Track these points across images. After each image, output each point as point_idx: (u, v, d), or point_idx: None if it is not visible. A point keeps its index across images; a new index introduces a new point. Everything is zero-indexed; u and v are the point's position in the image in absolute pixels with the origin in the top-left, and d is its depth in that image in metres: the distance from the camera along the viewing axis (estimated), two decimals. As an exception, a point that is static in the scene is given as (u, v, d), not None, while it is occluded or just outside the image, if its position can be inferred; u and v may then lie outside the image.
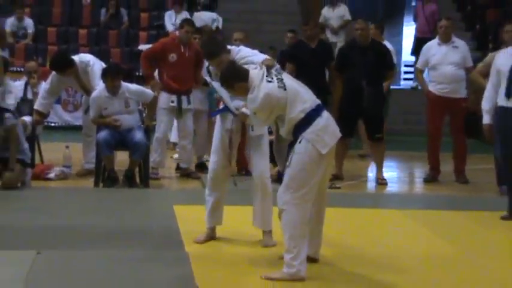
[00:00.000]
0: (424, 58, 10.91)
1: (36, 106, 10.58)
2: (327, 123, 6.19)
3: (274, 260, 6.44)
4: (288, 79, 6.24)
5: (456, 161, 10.91)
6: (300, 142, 5.99)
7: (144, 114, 10.38)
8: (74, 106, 15.72)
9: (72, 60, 10.55)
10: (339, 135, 6.33)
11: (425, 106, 11.11)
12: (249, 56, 6.80)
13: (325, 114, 6.22)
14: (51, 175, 10.31)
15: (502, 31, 10.04)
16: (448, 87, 10.67)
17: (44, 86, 10.86)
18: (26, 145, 9.80)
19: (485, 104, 8.52)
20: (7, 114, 9.53)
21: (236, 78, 6.17)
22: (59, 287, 5.66)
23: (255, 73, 6.14)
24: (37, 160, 10.67)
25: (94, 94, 9.98)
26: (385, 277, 6.28)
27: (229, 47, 6.92)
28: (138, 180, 9.95)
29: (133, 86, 10.25)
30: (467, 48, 10.78)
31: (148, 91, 10.33)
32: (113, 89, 9.80)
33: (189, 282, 5.77)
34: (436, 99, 10.76)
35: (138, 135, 9.76)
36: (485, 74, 10.02)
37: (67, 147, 11.00)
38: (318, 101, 6.21)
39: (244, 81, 6.11)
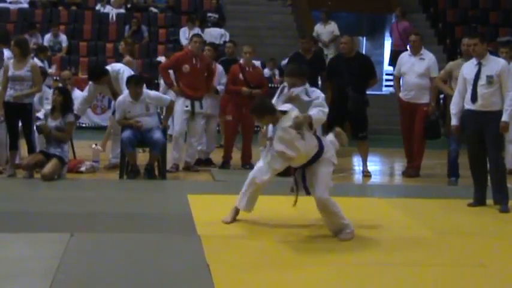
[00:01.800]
0: (398, 67, 10.91)
1: (75, 111, 10.63)
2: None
3: (277, 242, 6.44)
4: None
5: (414, 158, 10.85)
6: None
7: (161, 117, 10.40)
8: (102, 109, 15.71)
9: (106, 69, 10.66)
10: None
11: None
12: None
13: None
14: (82, 169, 10.30)
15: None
16: (411, 94, 10.63)
17: (82, 94, 10.94)
18: (66, 146, 9.82)
19: (453, 108, 8.54)
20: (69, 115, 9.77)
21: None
22: (90, 265, 5.66)
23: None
24: (70, 156, 10.65)
25: (120, 99, 9.99)
26: (369, 254, 6.29)
27: None
28: (156, 173, 9.94)
29: (153, 93, 10.29)
30: (434, 60, 10.69)
31: (165, 97, 10.38)
32: (135, 95, 9.81)
33: (201, 261, 5.76)
34: (403, 104, 10.76)
35: (157, 134, 9.77)
36: (445, 81, 10.08)
37: (96, 144, 11.00)
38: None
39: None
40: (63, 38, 17.92)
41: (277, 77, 16.89)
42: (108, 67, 10.87)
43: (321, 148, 6.81)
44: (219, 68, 11.56)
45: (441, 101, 10.59)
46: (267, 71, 17.33)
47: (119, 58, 14.56)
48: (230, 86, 11.02)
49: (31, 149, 9.81)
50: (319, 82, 11.26)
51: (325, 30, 17.62)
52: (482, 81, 8.20)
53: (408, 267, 5.95)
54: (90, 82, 10.83)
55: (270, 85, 15.88)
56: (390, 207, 8.34)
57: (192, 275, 5.48)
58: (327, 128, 10.96)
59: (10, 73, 9.64)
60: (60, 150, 9.63)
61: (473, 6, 21.45)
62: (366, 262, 6.09)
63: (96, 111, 15.90)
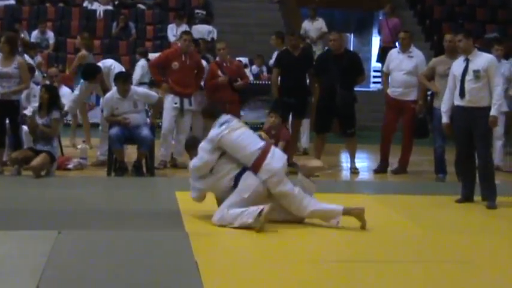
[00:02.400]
0: (387, 63, 10.92)
1: (66, 108, 10.60)
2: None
3: (266, 238, 6.45)
4: None
5: (402, 154, 10.90)
6: None
7: (149, 114, 10.38)
8: (90, 106, 15.63)
9: (99, 66, 10.72)
10: None
11: (386, 106, 11.12)
12: None
13: None
14: (70, 166, 10.28)
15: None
16: (399, 90, 10.66)
17: (74, 93, 10.97)
18: (55, 143, 9.79)
19: (443, 106, 8.58)
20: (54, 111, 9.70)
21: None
22: (78, 262, 5.64)
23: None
24: (58, 153, 10.62)
25: (107, 96, 9.98)
26: (357, 251, 6.30)
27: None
28: (144, 170, 9.93)
29: (141, 89, 10.33)
30: (423, 58, 10.71)
31: (153, 94, 10.36)
32: (123, 92, 9.79)
33: (189, 258, 5.76)
34: (390, 100, 10.78)
35: (145, 131, 9.75)
36: (429, 77, 10.08)
37: (83, 141, 10.98)
38: None
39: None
40: (50, 34, 17.85)
41: (264, 73, 16.89)
42: (100, 63, 10.88)
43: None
44: (203, 63, 11.56)
45: (428, 97, 10.59)
46: (254, 68, 17.35)
47: (106, 55, 14.59)
48: (208, 82, 11.04)
49: (18, 146, 9.77)
50: (307, 79, 11.28)
51: (313, 27, 17.62)
52: (469, 76, 8.24)
53: (396, 263, 5.96)
54: (82, 81, 10.80)
55: (257, 82, 15.99)
56: (378, 204, 8.36)
57: (180, 272, 5.47)
58: (315, 126, 11.03)
59: (-3, 70, 9.60)
60: (49, 146, 9.60)
61: (460, 3, 21.55)
62: (355, 259, 6.10)
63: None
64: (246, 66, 16.80)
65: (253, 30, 19.80)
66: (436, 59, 10.36)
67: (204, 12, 19.38)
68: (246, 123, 14.94)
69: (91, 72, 10.71)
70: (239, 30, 19.51)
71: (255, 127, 13.63)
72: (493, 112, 8.16)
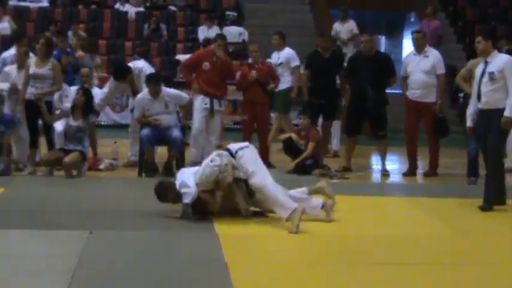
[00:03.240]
0: (404, 67, 10.84)
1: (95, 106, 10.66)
2: None
3: (297, 238, 6.43)
4: None
5: (430, 157, 10.83)
6: None
7: (180, 115, 10.41)
8: (121, 107, 15.76)
9: (130, 68, 10.75)
10: None
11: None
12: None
13: None
14: (101, 166, 10.35)
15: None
16: (418, 92, 10.58)
17: (103, 90, 10.97)
18: (86, 143, 9.86)
19: (469, 109, 8.46)
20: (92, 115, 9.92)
21: None
22: (109, 262, 5.67)
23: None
24: (89, 154, 10.68)
25: (139, 97, 10.02)
26: (388, 253, 6.27)
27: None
28: (175, 170, 9.91)
29: (172, 91, 10.29)
30: (439, 57, 10.62)
31: (184, 95, 10.37)
32: (154, 93, 9.83)
33: (219, 259, 5.76)
34: (410, 103, 10.71)
35: (175, 133, 9.78)
36: (466, 78, 9.99)
37: (115, 142, 11.03)
38: None
39: None
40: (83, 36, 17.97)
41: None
42: (131, 64, 10.94)
43: None
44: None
45: (461, 99, 10.51)
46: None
47: (138, 57, 14.63)
48: (240, 83, 11.07)
49: (50, 147, 9.87)
50: (338, 81, 11.25)
51: (344, 28, 17.58)
52: (485, 78, 8.11)
53: (426, 266, 5.92)
54: (111, 79, 10.87)
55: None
56: (409, 206, 8.31)
57: (210, 273, 5.48)
58: (346, 128, 11.01)
59: (31, 71, 9.71)
60: (81, 146, 9.67)
61: (492, 4, 21.36)
62: (384, 261, 6.06)
63: (115, 109, 15.96)
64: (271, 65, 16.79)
65: (283, 32, 19.74)
66: (473, 61, 10.24)
67: (235, 14, 19.41)
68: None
69: (122, 72, 10.77)
70: (269, 32, 19.44)
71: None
72: (506, 113, 7.94)
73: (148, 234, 6.61)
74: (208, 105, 10.59)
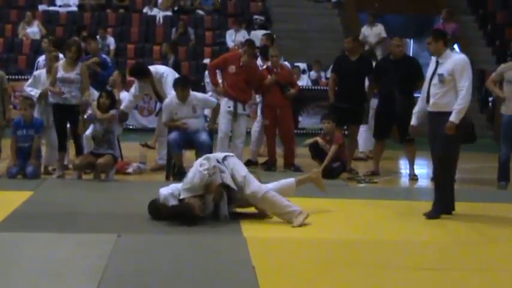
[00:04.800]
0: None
1: (122, 107, 10.70)
2: None
3: (325, 243, 6.44)
4: None
5: None
6: None
7: (208, 119, 10.44)
8: (149, 111, 15.83)
9: (148, 70, 10.71)
10: None
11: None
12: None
13: None
14: (130, 170, 10.41)
15: None
16: None
17: (131, 91, 10.99)
18: (117, 146, 9.93)
19: (415, 107, 8.22)
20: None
21: None
22: (137, 265, 5.70)
23: None
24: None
25: (166, 101, 10.05)
26: (417, 259, 6.24)
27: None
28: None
29: (200, 95, 10.33)
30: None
31: (212, 99, 10.42)
32: (182, 97, 9.85)
33: (246, 262, 5.77)
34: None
35: (203, 136, 9.81)
36: (497, 82, 9.92)
37: (142, 145, 11.10)
38: None
39: None
40: (111, 40, 18.10)
41: (323, 79, 16.86)
42: (152, 68, 10.92)
43: None
44: None
45: (490, 103, 10.43)
46: (313, 73, 17.34)
47: (165, 60, 14.72)
48: (259, 87, 11.09)
49: (79, 151, 9.94)
50: (366, 84, 11.22)
51: (372, 32, 17.54)
52: (435, 80, 7.81)
53: (455, 272, 5.88)
54: (136, 81, 10.91)
55: (315, 87, 16.00)
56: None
57: (237, 277, 5.49)
58: (374, 132, 10.97)
59: (59, 75, 9.78)
60: (111, 150, 9.74)
61: (523, 7, 21.18)
62: (414, 266, 6.04)
63: (142, 113, 16.02)
64: (304, 71, 16.82)
65: (311, 36, 19.79)
66: (505, 65, 10.17)
67: (263, 18, 19.44)
68: (304, 129, 15.12)
69: (136, 71, 10.83)
70: (297, 36, 19.52)
71: (313, 133, 13.69)
72: (452, 118, 7.63)
73: (176, 238, 6.63)
74: (231, 109, 10.63)
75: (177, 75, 10.74)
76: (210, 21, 19.97)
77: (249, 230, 6.94)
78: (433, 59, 8.00)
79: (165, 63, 12.88)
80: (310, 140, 10.77)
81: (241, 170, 7.38)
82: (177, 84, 9.95)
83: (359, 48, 11.78)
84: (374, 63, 11.62)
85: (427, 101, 7.88)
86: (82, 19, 19.51)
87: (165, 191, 7.30)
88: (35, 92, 10.19)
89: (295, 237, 6.80)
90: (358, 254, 6.33)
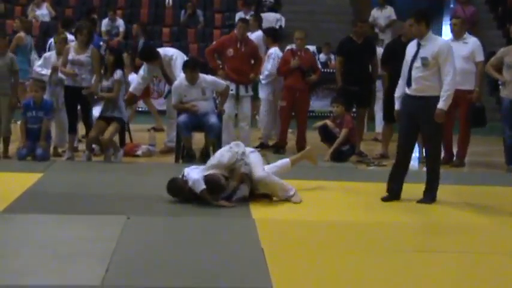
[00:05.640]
0: None
1: (131, 89, 10.70)
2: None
3: (333, 226, 6.48)
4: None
5: (458, 147, 10.68)
6: None
7: (217, 101, 10.42)
8: (158, 94, 15.82)
9: (158, 52, 10.71)
10: None
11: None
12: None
13: None
14: (139, 152, 10.44)
15: None
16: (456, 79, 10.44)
17: (139, 73, 10.97)
18: (123, 107, 9.92)
19: (397, 92, 7.95)
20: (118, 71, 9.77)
21: None
22: (146, 247, 5.73)
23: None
24: (127, 139, 10.77)
25: (176, 83, 10.05)
26: (426, 240, 6.25)
27: None
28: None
29: (209, 77, 10.25)
30: (478, 44, 10.37)
31: (221, 81, 10.33)
32: (192, 80, 9.84)
33: (255, 244, 5.79)
34: None
35: (213, 119, 9.80)
36: (497, 67, 9.88)
37: (149, 130, 11.10)
38: None
39: None
40: (120, 22, 18.07)
41: (332, 62, 16.80)
42: (160, 50, 10.92)
43: None
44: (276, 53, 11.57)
45: (500, 87, 10.37)
46: (322, 56, 17.28)
47: (175, 43, 14.74)
48: (281, 68, 11.08)
49: (89, 132, 9.94)
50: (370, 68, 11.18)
51: (382, 14, 17.45)
52: (417, 63, 7.55)
53: (465, 254, 5.90)
54: (144, 63, 10.91)
55: (325, 70, 15.94)
56: (448, 195, 8.21)
57: (246, 259, 5.51)
58: (384, 115, 10.95)
59: (70, 57, 9.80)
60: (117, 111, 9.76)
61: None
62: (423, 249, 6.06)
63: (152, 95, 16.00)
64: (313, 54, 16.76)
65: (321, 18, 19.70)
66: (504, 49, 10.14)
67: (272, 0, 19.35)
68: (313, 111, 15.08)
69: (145, 54, 10.84)
70: (307, 18, 19.42)
71: (322, 115, 13.68)
72: (440, 105, 7.44)
73: (185, 220, 6.66)
74: (234, 91, 10.66)
75: (185, 58, 10.73)
76: (219, 3, 19.90)
77: (258, 212, 6.96)
78: (414, 41, 7.77)
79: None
80: (319, 123, 10.77)
81: (259, 170, 7.45)
82: (186, 66, 9.93)
83: (366, 31, 11.76)
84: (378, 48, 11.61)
85: (408, 85, 7.64)
86: (91, 1, 19.48)
87: (194, 174, 7.26)
88: (45, 71, 10.21)
89: (305, 219, 6.82)
90: (367, 236, 6.34)
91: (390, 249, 5.94)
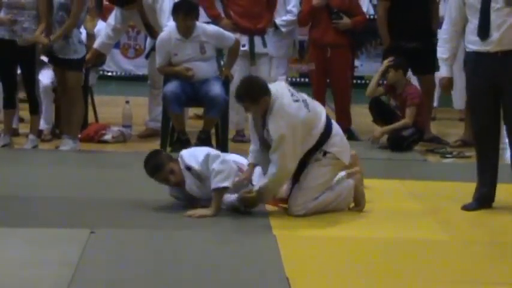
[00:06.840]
0: None
1: (95, 45, 10.73)
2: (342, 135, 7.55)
3: (355, 238, 6.77)
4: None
5: None
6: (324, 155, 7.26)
7: (222, 62, 10.41)
8: (136, 51, 15.86)
9: None
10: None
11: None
12: None
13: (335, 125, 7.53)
14: (108, 137, 10.47)
15: None
16: None
17: (108, 22, 10.97)
18: (81, 37, 10.03)
19: (443, 51, 7.88)
20: None
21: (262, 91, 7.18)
22: (113, 269, 5.80)
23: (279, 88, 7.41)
24: (90, 118, 10.81)
25: (162, 36, 10.01)
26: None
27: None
28: (214, 143, 9.98)
29: (211, 28, 10.20)
30: None
31: (229, 34, 10.25)
32: (185, 30, 9.83)
33: (277, 271, 5.90)
34: None
35: (216, 88, 9.76)
36: None
37: (127, 102, 11.13)
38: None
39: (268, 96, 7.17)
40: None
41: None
42: None
43: None
44: None
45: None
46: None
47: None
48: (304, 9, 11.19)
49: (34, 106, 9.97)
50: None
51: None
52: (498, 3, 7.28)
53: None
54: (116, 8, 10.87)
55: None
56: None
57: (267, 278, 5.69)
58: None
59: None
60: (71, 47, 9.79)
61: None
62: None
63: (127, 53, 16.06)
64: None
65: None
66: None
67: None
68: (362, 78, 15.12)
69: None
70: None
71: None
72: None
73: (174, 235, 6.71)
74: (247, 47, 10.67)
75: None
76: None
77: (280, 225, 7.05)
78: None
79: None
80: (373, 88, 10.72)
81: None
82: (177, 10, 9.84)
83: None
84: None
85: (483, 37, 7.45)
86: None
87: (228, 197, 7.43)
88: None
89: (329, 236, 6.91)
90: (430, 261, 6.41)
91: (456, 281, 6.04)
